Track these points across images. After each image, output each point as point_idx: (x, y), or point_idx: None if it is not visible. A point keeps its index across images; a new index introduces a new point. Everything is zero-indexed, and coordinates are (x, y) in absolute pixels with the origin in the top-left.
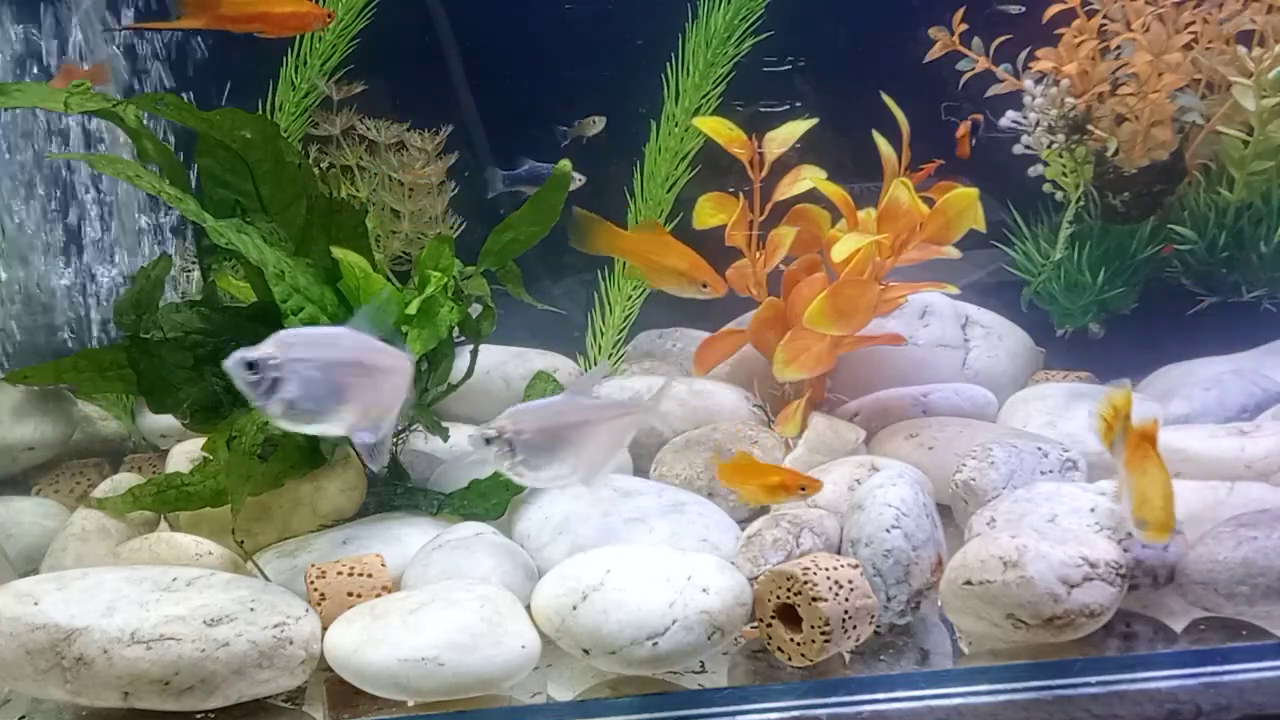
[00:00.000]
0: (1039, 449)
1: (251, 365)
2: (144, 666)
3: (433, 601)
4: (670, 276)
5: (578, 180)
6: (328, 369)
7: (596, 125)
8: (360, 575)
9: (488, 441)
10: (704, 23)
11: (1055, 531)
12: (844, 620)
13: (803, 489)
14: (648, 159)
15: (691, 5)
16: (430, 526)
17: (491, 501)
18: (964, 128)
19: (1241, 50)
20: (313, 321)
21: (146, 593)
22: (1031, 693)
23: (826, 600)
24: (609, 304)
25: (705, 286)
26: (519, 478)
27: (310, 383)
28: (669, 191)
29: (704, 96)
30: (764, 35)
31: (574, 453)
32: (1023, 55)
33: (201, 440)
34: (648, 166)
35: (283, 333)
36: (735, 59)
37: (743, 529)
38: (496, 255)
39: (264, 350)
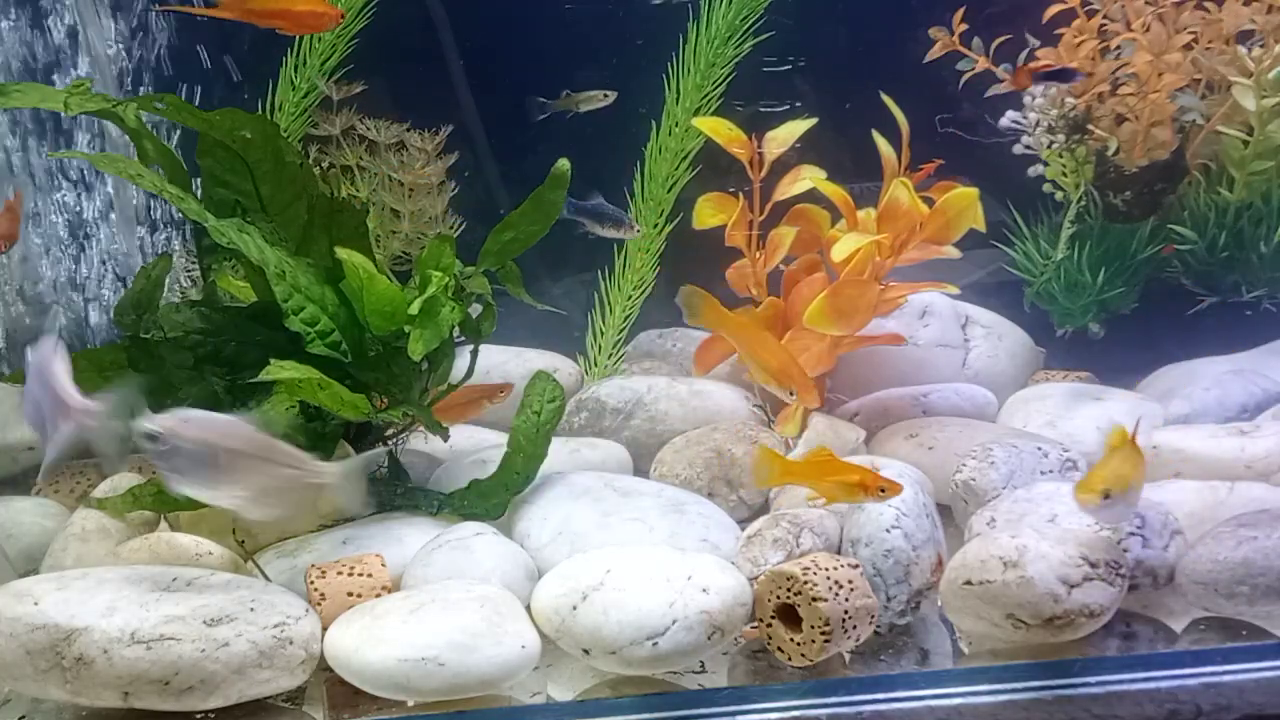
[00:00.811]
0: (1039, 449)
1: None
2: (144, 666)
3: (433, 601)
4: (761, 371)
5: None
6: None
7: (604, 99)
8: (360, 575)
9: (148, 437)
10: (705, 23)
11: (1055, 531)
12: (844, 620)
13: (882, 490)
14: (648, 159)
15: (693, 5)
16: (430, 526)
17: (491, 501)
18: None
19: (1241, 50)
20: (313, 321)
21: (146, 593)
22: (1031, 693)
23: (826, 600)
24: (609, 304)
25: (792, 394)
26: (168, 480)
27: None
28: (669, 191)
29: (704, 97)
30: (765, 36)
31: (231, 480)
32: (1023, 55)
33: None
34: (648, 167)
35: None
36: (735, 59)
37: (743, 529)
38: (496, 255)
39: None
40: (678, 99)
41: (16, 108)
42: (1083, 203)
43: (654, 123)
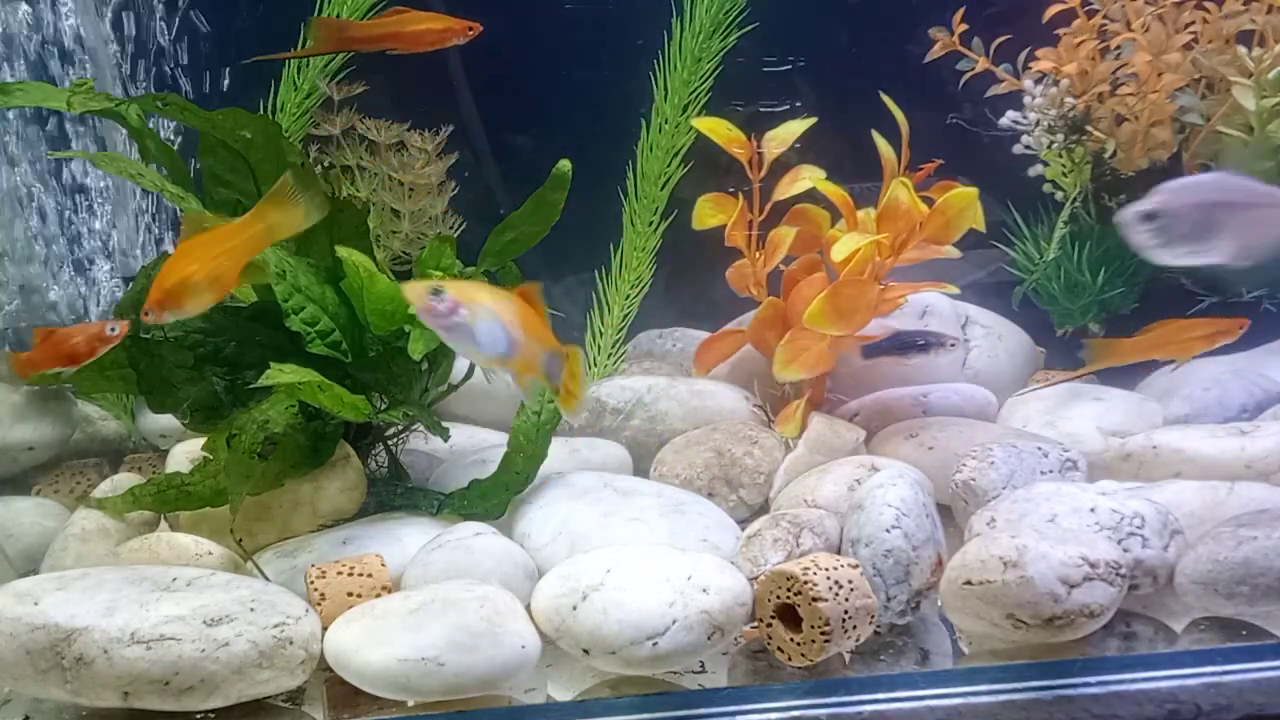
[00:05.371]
0: (1039, 449)
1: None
2: (144, 666)
3: (433, 601)
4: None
5: None
6: None
7: None
8: (360, 575)
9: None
10: (688, 17)
11: (1055, 531)
12: (844, 620)
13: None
14: (639, 157)
15: (677, 1)
16: (430, 526)
17: (491, 501)
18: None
19: (1241, 50)
20: (314, 321)
21: (146, 593)
22: (1031, 693)
23: (826, 600)
24: (608, 304)
25: None
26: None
27: None
28: (663, 189)
29: (693, 93)
30: (749, 27)
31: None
32: (1023, 55)
33: (201, 440)
34: (640, 165)
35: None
36: (721, 52)
37: (743, 529)
38: (497, 255)
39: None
40: (665, 96)
41: (19, 106)
42: (1080, 204)
43: (643, 120)
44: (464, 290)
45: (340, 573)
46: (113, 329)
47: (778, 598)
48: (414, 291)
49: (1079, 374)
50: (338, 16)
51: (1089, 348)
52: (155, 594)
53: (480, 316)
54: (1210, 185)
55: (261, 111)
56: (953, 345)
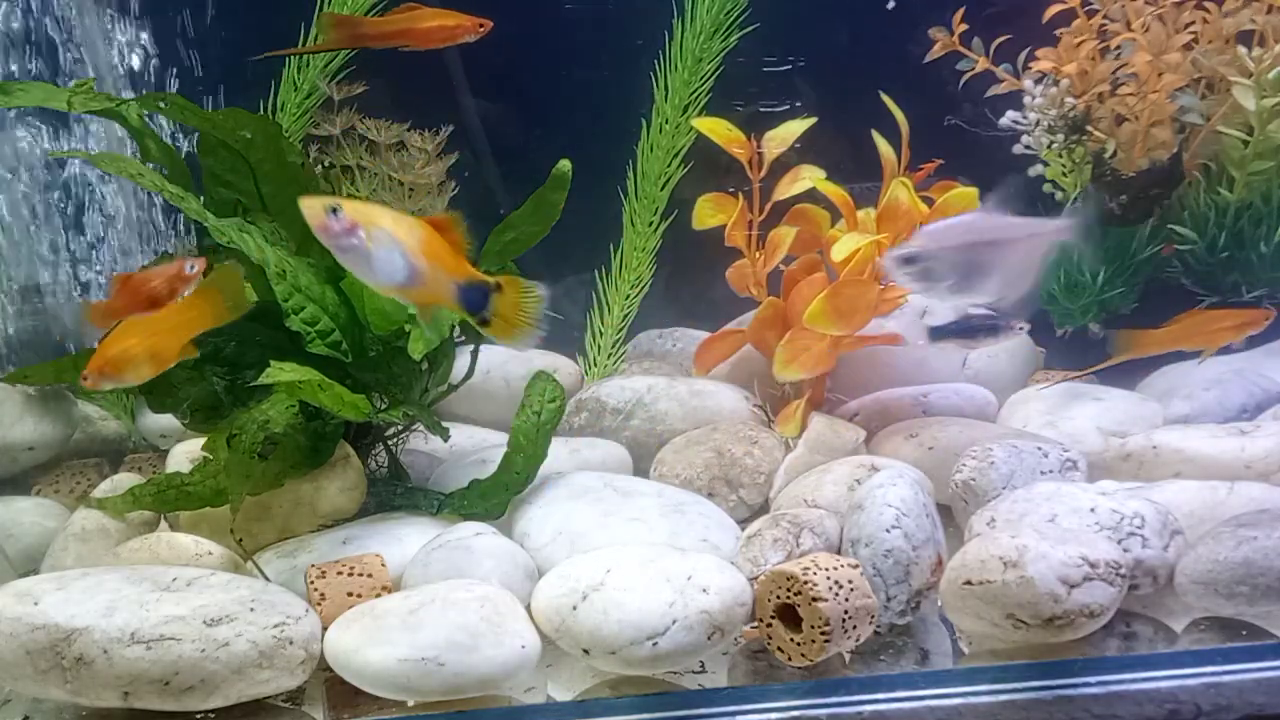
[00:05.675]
0: (1039, 449)
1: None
2: (144, 666)
3: (433, 601)
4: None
5: None
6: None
7: None
8: (360, 575)
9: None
10: (689, 18)
11: (1055, 531)
12: (844, 620)
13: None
14: (640, 158)
15: (678, 1)
16: (430, 526)
17: (491, 501)
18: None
19: (1241, 50)
20: (314, 321)
21: (146, 593)
22: (1031, 693)
23: (826, 600)
24: (608, 304)
25: None
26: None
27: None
28: (663, 189)
29: (693, 93)
30: (749, 29)
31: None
32: (1023, 55)
33: (201, 440)
34: (640, 165)
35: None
36: (722, 53)
37: (743, 529)
38: (497, 255)
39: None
40: (666, 96)
41: (20, 106)
42: (1077, 204)
43: (644, 120)
44: (364, 212)
45: (340, 573)
46: (191, 267)
47: (778, 598)
48: (310, 207)
49: (1105, 365)
50: (350, 13)
51: (1117, 338)
52: (155, 594)
53: (378, 241)
54: (965, 226)
55: (262, 111)
56: (1020, 329)
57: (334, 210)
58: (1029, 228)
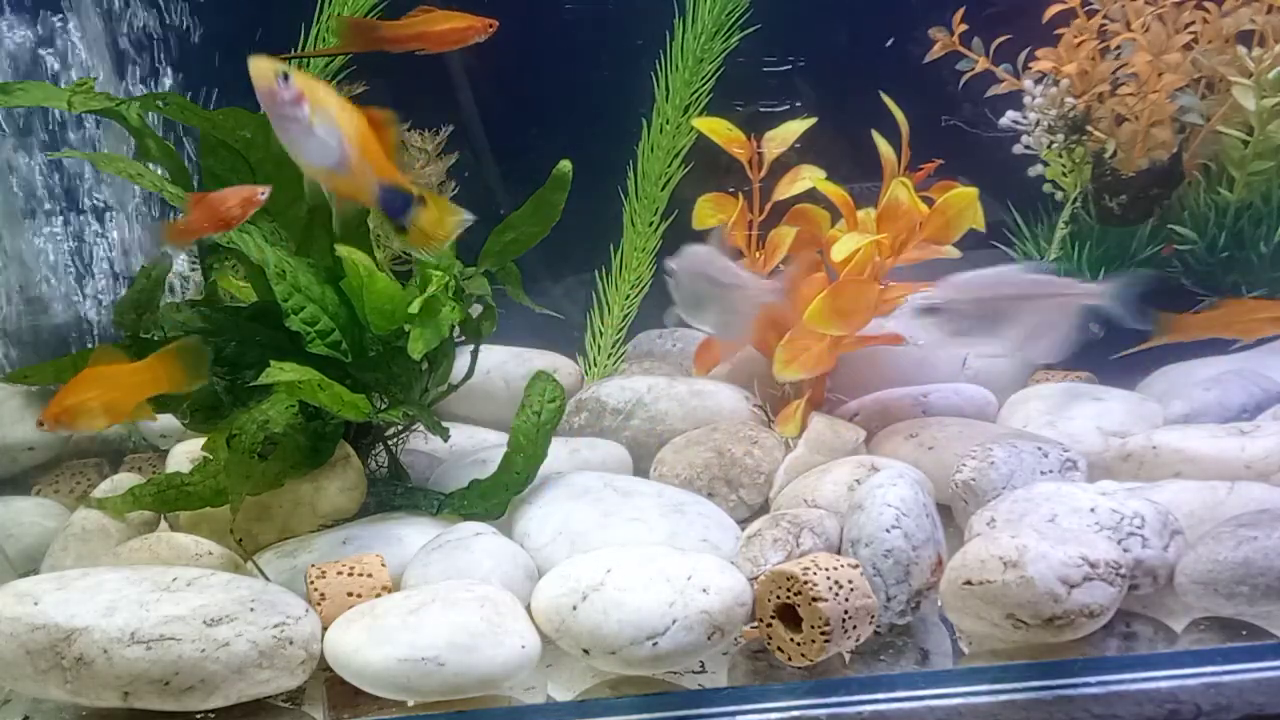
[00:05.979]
0: (1039, 449)
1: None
2: (144, 666)
3: (433, 601)
4: None
5: None
6: None
7: None
8: (360, 575)
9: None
10: (691, 18)
11: (1055, 531)
12: (844, 620)
13: None
14: (640, 158)
15: (679, 2)
16: (430, 526)
17: (491, 501)
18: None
19: (1241, 50)
20: (313, 321)
21: (146, 593)
22: (1031, 693)
23: (826, 600)
24: (608, 304)
25: None
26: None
27: None
28: (663, 189)
29: (694, 93)
30: (751, 29)
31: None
32: (1023, 55)
33: (201, 440)
34: (641, 165)
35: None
36: (724, 53)
37: (743, 529)
38: (497, 255)
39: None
40: (667, 96)
41: (20, 106)
42: (1079, 204)
43: (644, 121)
44: (312, 88)
45: (340, 573)
46: (263, 194)
47: (778, 598)
48: (260, 68)
49: (1146, 345)
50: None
51: (1158, 320)
52: (155, 594)
53: (320, 119)
54: (995, 279)
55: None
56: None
57: (285, 77)
58: (1059, 287)
